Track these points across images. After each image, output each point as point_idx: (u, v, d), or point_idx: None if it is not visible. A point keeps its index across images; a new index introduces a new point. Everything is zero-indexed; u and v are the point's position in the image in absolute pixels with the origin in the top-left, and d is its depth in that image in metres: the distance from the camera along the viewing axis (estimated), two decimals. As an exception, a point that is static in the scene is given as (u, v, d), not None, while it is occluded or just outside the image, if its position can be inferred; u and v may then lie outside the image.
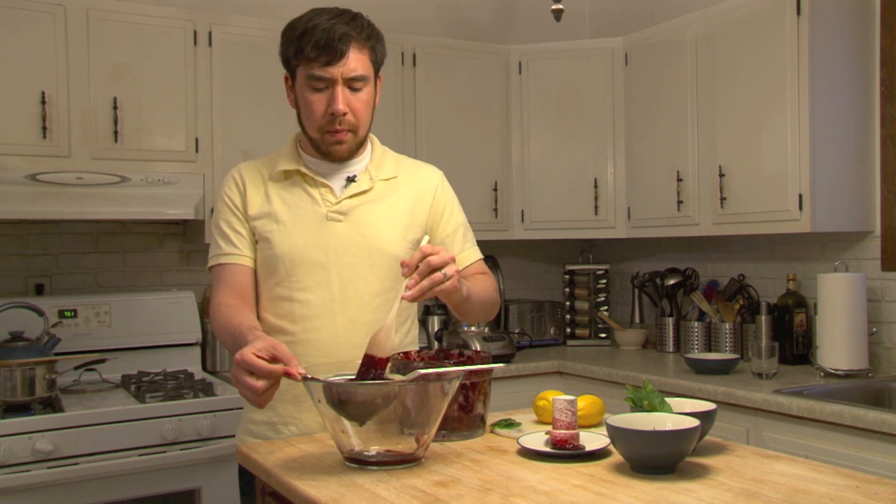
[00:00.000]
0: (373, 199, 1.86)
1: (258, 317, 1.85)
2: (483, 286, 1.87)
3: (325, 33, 1.72)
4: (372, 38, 1.79)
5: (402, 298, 1.54)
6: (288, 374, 1.48)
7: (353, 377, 1.52)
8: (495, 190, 3.73)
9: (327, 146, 1.81)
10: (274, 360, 1.49)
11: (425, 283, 1.54)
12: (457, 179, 3.59)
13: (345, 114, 1.76)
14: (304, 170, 1.85)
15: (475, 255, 1.98)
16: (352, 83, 1.76)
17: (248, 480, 1.83)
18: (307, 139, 1.85)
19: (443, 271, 1.55)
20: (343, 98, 1.75)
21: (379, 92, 1.87)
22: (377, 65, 1.83)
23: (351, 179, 1.86)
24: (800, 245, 3.27)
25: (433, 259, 1.55)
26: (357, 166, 1.88)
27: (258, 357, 1.47)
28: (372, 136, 1.94)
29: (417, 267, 1.54)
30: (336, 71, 1.73)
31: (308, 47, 1.73)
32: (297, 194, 1.84)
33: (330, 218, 1.82)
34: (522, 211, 3.79)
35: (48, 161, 2.84)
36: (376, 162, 1.90)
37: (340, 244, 1.81)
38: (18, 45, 2.81)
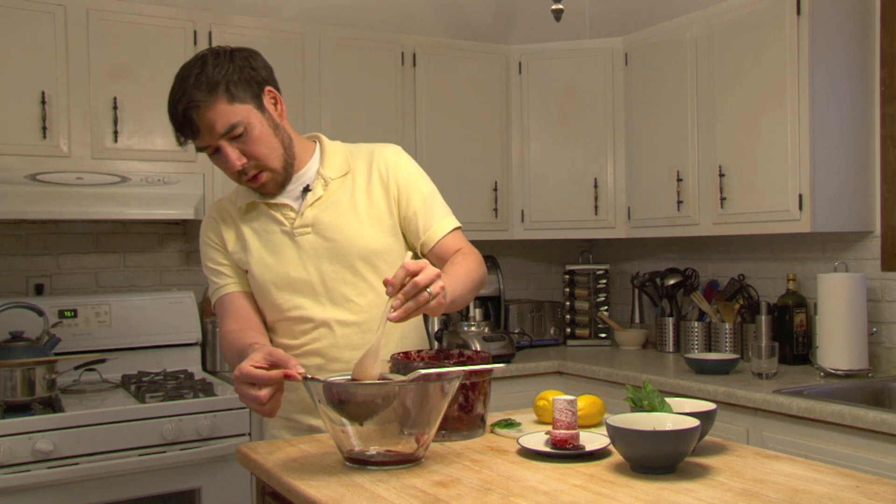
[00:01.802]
0: (333, 202, 1.84)
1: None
2: (465, 272, 1.74)
3: (174, 117, 1.72)
4: (219, 85, 1.69)
5: (389, 320, 1.47)
6: (287, 377, 1.48)
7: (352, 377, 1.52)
8: (495, 190, 3.73)
9: (254, 191, 1.84)
10: (273, 366, 1.50)
11: (411, 304, 1.47)
12: (457, 179, 3.63)
13: (244, 165, 1.75)
14: (258, 199, 1.85)
15: (448, 224, 1.86)
16: (229, 136, 1.71)
17: None
18: None
19: (428, 290, 1.47)
20: (233, 154, 1.73)
21: (280, 108, 1.80)
22: (248, 94, 1.72)
23: (306, 189, 1.85)
24: (800, 245, 3.27)
25: (420, 279, 1.46)
26: (308, 175, 1.86)
27: (256, 367, 1.49)
28: (319, 135, 1.93)
29: (403, 286, 1.47)
30: (207, 138, 1.72)
31: (173, 126, 1.74)
32: (263, 222, 1.85)
33: (297, 234, 1.83)
34: (522, 211, 3.79)
35: (48, 161, 2.84)
36: (327, 163, 1.86)
37: (314, 255, 1.82)
38: (18, 45, 2.81)
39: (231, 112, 1.70)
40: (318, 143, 1.91)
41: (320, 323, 1.83)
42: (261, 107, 1.76)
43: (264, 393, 1.48)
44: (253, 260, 1.84)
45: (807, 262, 3.25)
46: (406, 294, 1.46)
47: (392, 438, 1.48)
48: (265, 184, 1.79)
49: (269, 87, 1.78)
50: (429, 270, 1.48)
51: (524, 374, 3.38)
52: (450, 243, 1.85)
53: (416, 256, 1.84)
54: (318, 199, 1.83)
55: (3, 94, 2.79)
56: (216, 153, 1.75)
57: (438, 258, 1.83)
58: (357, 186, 1.86)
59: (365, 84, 3.42)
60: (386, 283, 1.48)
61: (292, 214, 1.84)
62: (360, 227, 1.83)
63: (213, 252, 1.89)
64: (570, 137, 3.75)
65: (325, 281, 1.82)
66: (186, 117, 1.69)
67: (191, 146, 1.78)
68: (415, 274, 1.47)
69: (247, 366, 1.49)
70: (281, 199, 1.84)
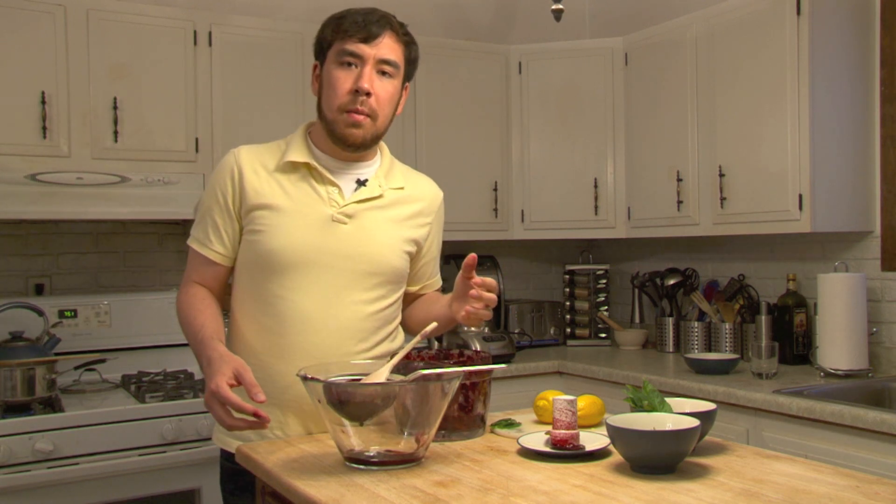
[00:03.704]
0: (380, 206, 1.82)
1: (235, 315, 1.84)
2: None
3: (365, 15, 1.76)
4: (408, 36, 1.82)
5: (460, 321, 1.70)
6: (257, 416, 1.50)
7: (353, 377, 1.52)
8: (495, 190, 3.73)
9: (343, 128, 1.76)
10: (238, 384, 1.54)
11: (486, 312, 1.69)
12: (457, 179, 3.63)
13: (368, 94, 1.73)
14: (314, 164, 1.79)
15: (440, 281, 2.06)
16: (382, 66, 1.76)
17: (232, 488, 1.83)
18: (323, 124, 1.80)
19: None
20: (369, 78, 1.74)
21: (403, 102, 1.86)
22: (408, 66, 1.83)
23: (361, 183, 1.82)
24: (800, 245, 3.27)
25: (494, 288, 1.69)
26: (367, 170, 1.85)
27: (230, 385, 1.52)
28: (382, 144, 1.91)
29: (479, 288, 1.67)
30: (369, 50, 1.74)
31: (346, 23, 1.76)
32: (303, 189, 1.78)
33: (336, 219, 1.77)
34: (522, 211, 3.79)
35: (48, 161, 2.84)
36: (385, 169, 1.87)
37: (341, 247, 1.77)
38: (18, 45, 2.81)
39: (399, 56, 1.79)
40: (379, 150, 1.91)
41: (319, 315, 1.76)
42: (402, 84, 1.84)
43: (231, 419, 1.53)
44: (278, 223, 1.75)
45: (807, 262, 3.25)
46: (482, 298, 1.66)
47: (392, 438, 1.48)
48: (361, 126, 1.76)
49: (409, 83, 1.87)
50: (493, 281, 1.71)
51: (524, 374, 3.38)
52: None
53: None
54: (373, 198, 1.82)
55: (3, 94, 2.79)
56: (353, 67, 1.75)
57: (419, 298, 2.01)
58: (405, 205, 1.87)
59: (365, 84, 3.41)
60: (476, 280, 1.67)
61: (339, 199, 1.79)
62: (394, 242, 1.83)
63: (214, 204, 1.80)
64: (570, 137, 3.75)
65: (338, 276, 1.76)
66: (378, 27, 1.75)
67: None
68: (489, 286, 1.69)
69: (224, 386, 1.51)
70: (334, 178, 1.80)
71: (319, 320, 1.76)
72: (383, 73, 1.76)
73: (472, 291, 1.66)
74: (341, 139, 1.78)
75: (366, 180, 1.83)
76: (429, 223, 1.92)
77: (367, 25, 1.74)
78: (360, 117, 1.75)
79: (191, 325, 1.75)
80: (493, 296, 1.67)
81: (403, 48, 1.80)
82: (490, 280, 1.69)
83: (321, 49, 1.81)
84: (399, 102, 1.84)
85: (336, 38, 1.76)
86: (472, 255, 1.67)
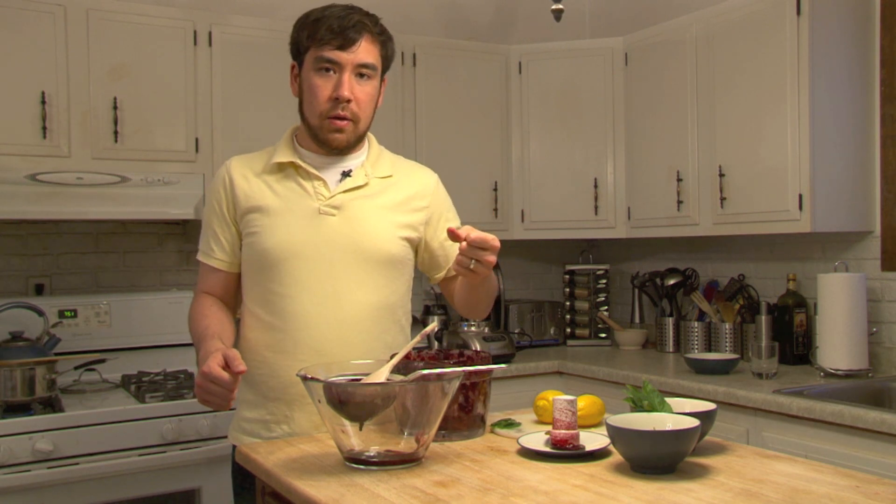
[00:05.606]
0: (367, 195, 1.84)
1: (243, 317, 1.87)
2: (492, 284, 1.90)
3: (340, 20, 1.76)
4: (384, 35, 1.83)
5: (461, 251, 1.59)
6: (231, 371, 1.55)
7: (353, 377, 1.52)
8: (495, 190, 3.73)
9: (326, 133, 1.80)
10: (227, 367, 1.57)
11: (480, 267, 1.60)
12: (457, 179, 3.61)
13: (349, 100, 1.77)
14: (298, 162, 1.83)
15: None
16: (360, 70, 1.78)
17: (240, 482, 1.84)
18: (306, 128, 1.85)
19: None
20: (349, 85, 1.76)
21: (382, 93, 1.88)
22: (386, 62, 1.85)
23: (346, 174, 1.85)
24: (800, 245, 3.27)
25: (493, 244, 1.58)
26: (353, 161, 1.87)
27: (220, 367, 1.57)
28: (370, 134, 1.94)
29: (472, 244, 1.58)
30: (347, 57, 1.76)
31: (322, 29, 1.77)
32: (289, 187, 1.83)
33: (323, 212, 1.80)
34: (522, 211, 3.79)
35: (48, 161, 2.84)
36: (373, 159, 1.89)
37: (332, 239, 1.79)
38: (18, 45, 2.81)
39: (376, 58, 1.81)
40: (367, 141, 1.93)
41: (317, 309, 1.78)
42: (381, 79, 1.85)
43: (224, 391, 1.56)
44: (269, 223, 1.80)
45: (807, 262, 3.25)
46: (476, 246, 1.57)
47: (392, 438, 1.48)
48: (343, 131, 1.79)
49: (386, 75, 1.87)
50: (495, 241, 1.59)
51: (524, 374, 3.38)
52: None
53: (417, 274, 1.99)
54: (357, 188, 1.83)
55: (3, 94, 2.78)
56: (331, 75, 1.77)
57: (456, 279, 1.95)
58: (395, 192, 1.88)
59: (365, 84, 3.42)
60: (456, 234, 1.57)
61: (325, 192, 1.82)
62: (386, 230, 1.84)
63: (212, 214, 1.88)
64: (570, 137, 3.75)
65: (333, 267, 1.79)
66: (354, 32, 1.76)
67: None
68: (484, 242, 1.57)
69: (215, 366, 1.55)
70: (319, 173, 1.83)
71: (319, 314, 1.79)
72: (361, 75, 1.79)
73: (462, 245, 1.58)
74: (325, 144, 1.83)
75: (350, 171, 1.85)
76: (425, 207, 1.91)
77: (344, 31, 1.75)
78: (343, 123, 1.79)
79: (196, 329, 1.80)
80: (485, 254, 1.59)
81: (380, 48, 1.82)
82: (480, 237, 1.58)
83: (297, 52, 1.84)
84: (379, 98, 1.87)
85: (312, 44, 1.79)
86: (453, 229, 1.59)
